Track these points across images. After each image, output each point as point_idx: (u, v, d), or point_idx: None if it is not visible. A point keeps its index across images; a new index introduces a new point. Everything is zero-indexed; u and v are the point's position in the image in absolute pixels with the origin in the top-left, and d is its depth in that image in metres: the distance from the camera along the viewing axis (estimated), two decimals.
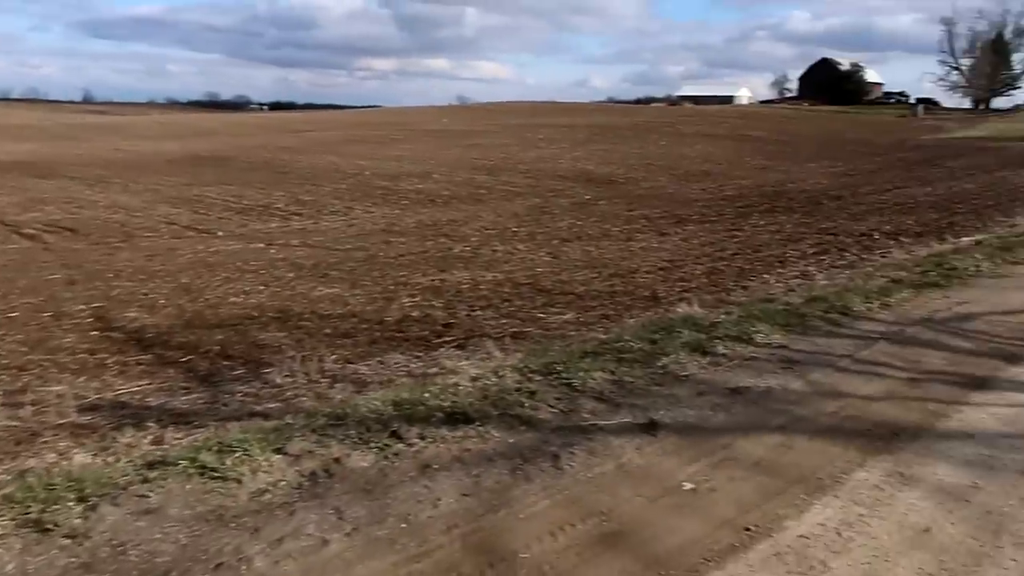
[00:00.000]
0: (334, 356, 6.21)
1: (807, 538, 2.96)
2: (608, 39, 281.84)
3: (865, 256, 11.42)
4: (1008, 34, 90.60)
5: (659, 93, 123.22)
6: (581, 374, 4.59)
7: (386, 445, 3.62)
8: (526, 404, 4.15)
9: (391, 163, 25.43)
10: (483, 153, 29.63)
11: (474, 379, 4.53)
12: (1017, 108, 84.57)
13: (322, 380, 5.33)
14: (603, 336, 5.85)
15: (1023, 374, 4.92)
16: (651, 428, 3.92)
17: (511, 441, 3.75)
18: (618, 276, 10.83)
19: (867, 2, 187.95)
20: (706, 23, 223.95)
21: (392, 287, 9.48)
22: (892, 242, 12.83)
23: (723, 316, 6.22)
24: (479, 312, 8.33)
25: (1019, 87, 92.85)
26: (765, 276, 10.50)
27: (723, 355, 5.14)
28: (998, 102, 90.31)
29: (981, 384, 4.70)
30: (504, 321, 7.90)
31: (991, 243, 10.41)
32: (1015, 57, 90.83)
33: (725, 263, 12.04)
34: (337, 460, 3.49)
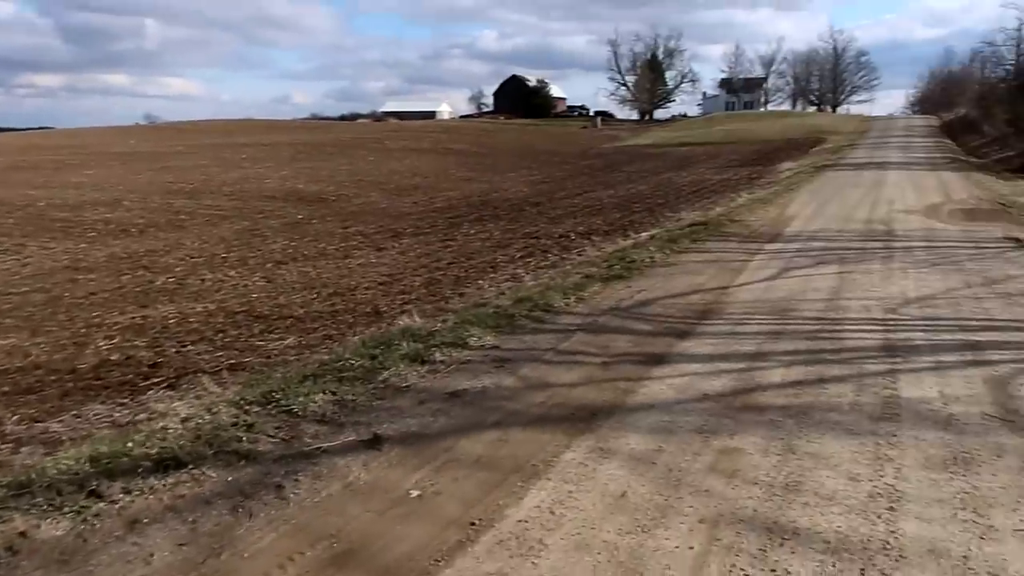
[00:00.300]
0: (16, 416, 5.43)
1: (526, 522, 3.20)
2: (306, 54, 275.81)
3: (565, 256, 12.50)
4: (660, 54, 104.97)
5: (364, 109, 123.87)
6: (301, 399, 4.50)
7: (83, 507, 3.25)
8: (244, 438, 3.97)
9: (70, 191, 22.59)
10: (180, 176, 27.50)
11: (185, 420, 4.22)
12: (674, 118, 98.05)
13: (2, 447, 4.64)
14: (325, 357, 5.78)
15: (691, 348, 5.74)
16: (376, 443, 3.97)
17: (230, 479, 3.57)
18: (338, 295, 10.73)
19: (546, 25, 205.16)
20: (401, 40, 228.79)
21: (84, 330, 8.48)
22: (586, 241, 14.19)
23: (440, 324, 6.46)
24: (191, 347, 7.78)
25: (674, 100, 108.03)
26: (479, 282, 11.05)
27: (441, 362, 5.35)
28: (659, 113, 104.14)
29: (659, 360, 5.41)
30: (220, 354, 7.46)
31: (662, 237, 11.94)
32: (668, 74, 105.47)
33: (442, 272, 12.47)
34: (23, 534, 3.06)
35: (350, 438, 4.04)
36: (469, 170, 36.42)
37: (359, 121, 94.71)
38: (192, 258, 13.85)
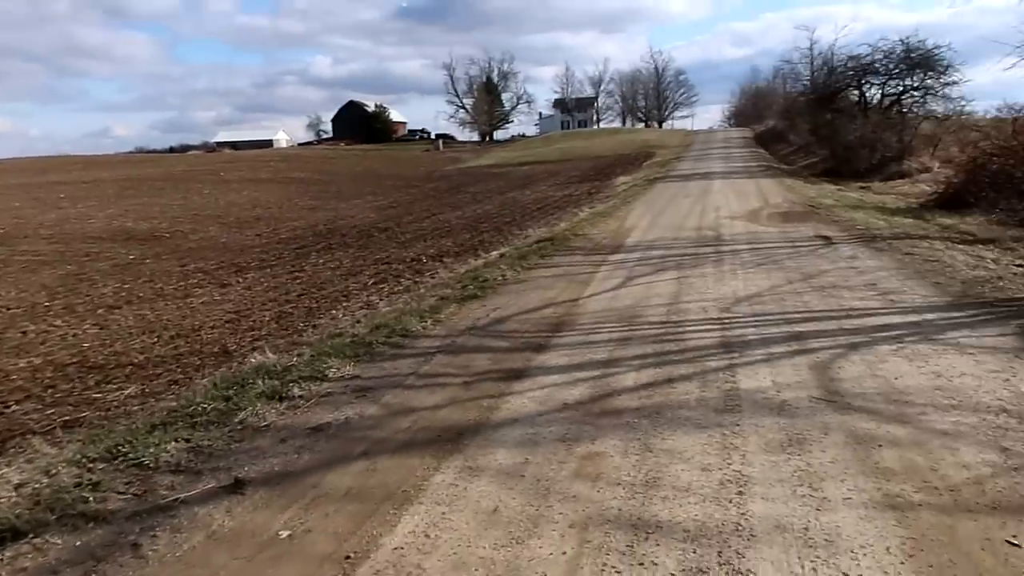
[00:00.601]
0: None
1: (401, 548, 3.20)
2: (126, 84, 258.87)
3: (418, 279, 12.50)
4: (495, 77, 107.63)
5: (195, 140, 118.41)
6: (151, 450, 4.24)
7: None
8: (90, 498, 3.70)
9: None
10: None
11: (19, 486, 3.87)
12: (514, 139, 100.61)
13: None
14: (173, 404, 5.47)
15: (548, 360, 5.93)
16: (238, 487, 3.82)
17: (78, 543, 3.31)
18: (181, 337, 10.20)
19: (380, 50, 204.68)
20: (231, 68, 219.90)
21: None
22: (438, 263, 14.27)
23: (296, 358, 6.29)
24: (16, 407, 7.15)
25: (512, 121, 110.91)
26: (333, 312, 10.85)
27: (300, 397, 5.22)
28: (499, 134, 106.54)
29: (519, 375, 5.55)
30: (51, 411, 6.90)
31: (511, 254, 12.24)
32: (504, 96, 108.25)
33: (292, 305, 12.13)
34: None
35: (210, 485, 3.86)
36: (313, 198, 35.61)
37: (191, 153, 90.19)
38: (9, 309, 12.69)
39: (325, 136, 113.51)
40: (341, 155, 72.90)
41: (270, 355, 6.78)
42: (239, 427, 4.67)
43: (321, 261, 17.46)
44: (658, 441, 4.15)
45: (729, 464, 3.80)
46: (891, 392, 4.69)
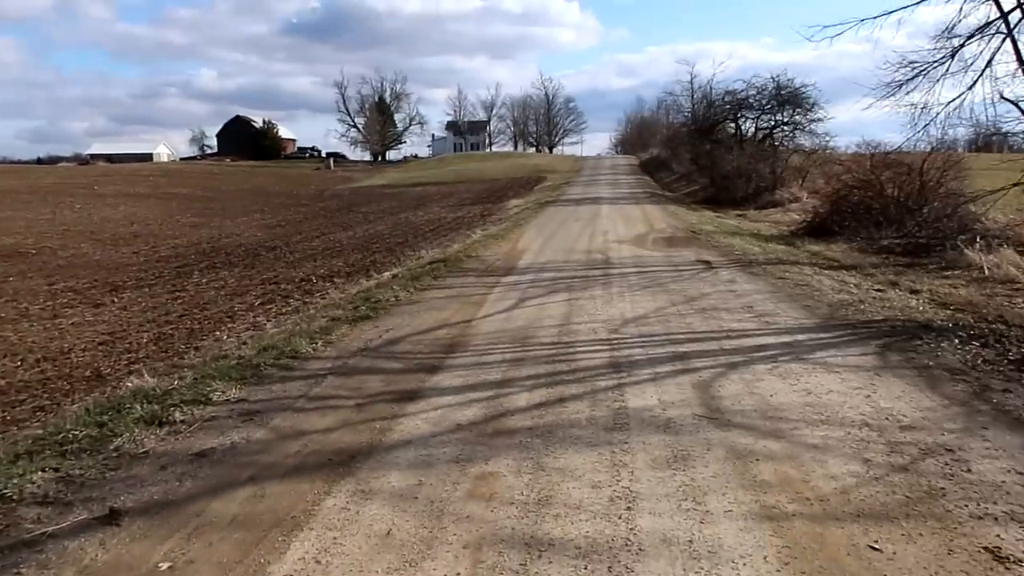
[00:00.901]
0: None
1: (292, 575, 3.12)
2: None
3: (308, 300, 12.23)
4: (388, 97, 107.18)
5: (66, 152, 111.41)
6: (15, 481, 3.95)
7: None
8: None
9: None
10: None
11: None
12: (407, 159, 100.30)
13: None
14: (40, 432, 5.11)
15: (442, 381, 5.93)
16: (113, 518, 3.61)
17: None
18: (49, 360, 9.58)
19: (269, 66, 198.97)
20: (107, 77, 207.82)
21: None
22: (328, 284, 14.02)
23: (177, 381, 6.02)
24: None
25: (405, 141, 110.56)
26: (217, 333, 10.47)
27: (182, 422, 4.99)
28: (392, 154, 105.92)
29: (413, 396, 5.52)
30: None
31: (404, 275, 12.17)
32: (397, 116, 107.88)
33: (173, 327, 11.63)
34: None
35: (81, 517, 3.63)
36: (196, 215, 34.27)
37: (61, 165, 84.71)
38: None
39: (210, 152, 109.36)
40: (227, 171, 70.42)
41: (148, 379, 6.46)
42: (115, 454, 4.42)
43: (204, 280, 16.80)
44: (550, 460, 4.23)
45: (618, 481, 3.92)
46: (767, 409, 4.97)
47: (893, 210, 15.62)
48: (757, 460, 4.12)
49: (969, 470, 3.90)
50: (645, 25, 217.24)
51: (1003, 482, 3.75)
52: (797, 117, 31.80)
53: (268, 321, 10.65)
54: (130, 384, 6.37)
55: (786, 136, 32.47)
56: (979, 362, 5.89)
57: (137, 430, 4.76)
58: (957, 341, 6.49)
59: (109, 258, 21.86)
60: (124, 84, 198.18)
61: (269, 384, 5.94)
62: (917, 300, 8.56)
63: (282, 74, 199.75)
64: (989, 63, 13.13)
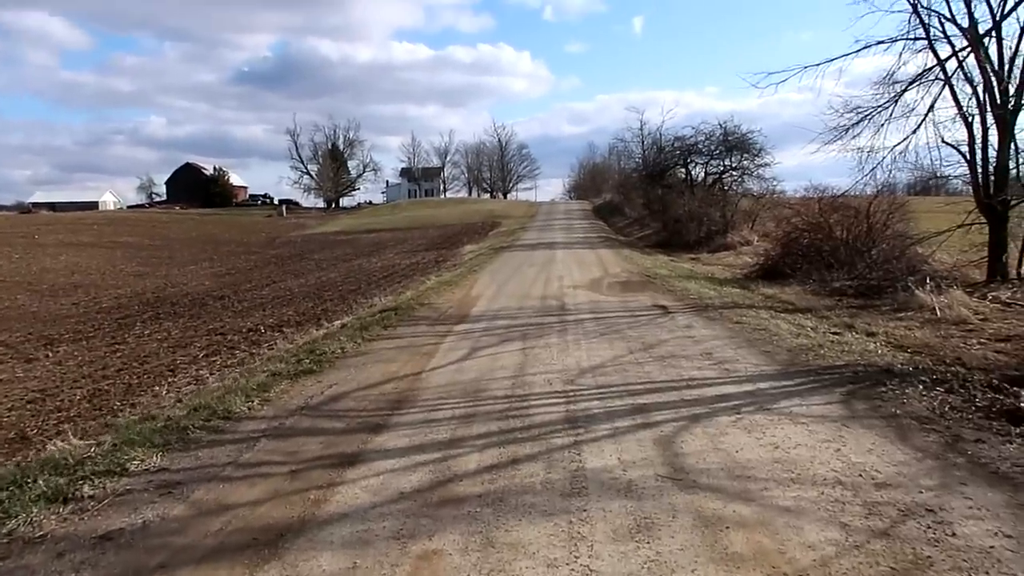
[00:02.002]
0: None
1: None
2: None
3: (255, 351, 11.70)
4: (341, 144, 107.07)
5: (7, 200, 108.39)
6: None
7: None
8: None
9: None
10: None
11: None
12: (361, 206, 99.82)
13: None
14: None
15: (386, 442, 5.49)
16: None
17: None
18: None
19: (220, 114, 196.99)
20: (51, 124, 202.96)
21: None
22: (277, 334, 13.49)
23: (94, 449, 5.49)
24: None
25: (359, 188, 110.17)
26: (156, 388, 9.95)
27: (91, 497, 4.47)
28: (345, 201, 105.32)
29: (353, 460, 5.07)
30: None
31: (354, 325, 11.72)
32: (351, 163, 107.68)
33: (110, 382, 11.04)
34: None
35: None
36: (141, 264, 33.33)
37: (0, 214, 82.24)
38: None
39: (158, 199, 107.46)
40: (175, 219, 69.07)
41: (74, 441, 5.93)
42: (6, 540, 3.89)
43: (147, 332, 16.11)
44: (501, 534, 3.82)
45: (576, 558, 3.53)
46: (734, 467, 4.65)
47: (843, 252, 15.75)
48: (727, 528, 3.78)
49: (954, 534, 3.61)
50: (595, 74, 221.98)
51: (992, 547, 3.46)
52: (745, 162, 32.52)
53: (211, 375, 10.11)
54: (54, 447, 5.84)
55: (735, 180, 33.14)
56: (947, 409, 5.68)
57: (36, 509, 4.23)
58: (921, 387, 6.29)
59: (46, 310, 20.95)
60: (69, 131, 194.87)
61: (196, 449, 5.44)
62: (875, 343, 8.43)
63: (233, 121, 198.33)
64: (931, 108, 13.48)
